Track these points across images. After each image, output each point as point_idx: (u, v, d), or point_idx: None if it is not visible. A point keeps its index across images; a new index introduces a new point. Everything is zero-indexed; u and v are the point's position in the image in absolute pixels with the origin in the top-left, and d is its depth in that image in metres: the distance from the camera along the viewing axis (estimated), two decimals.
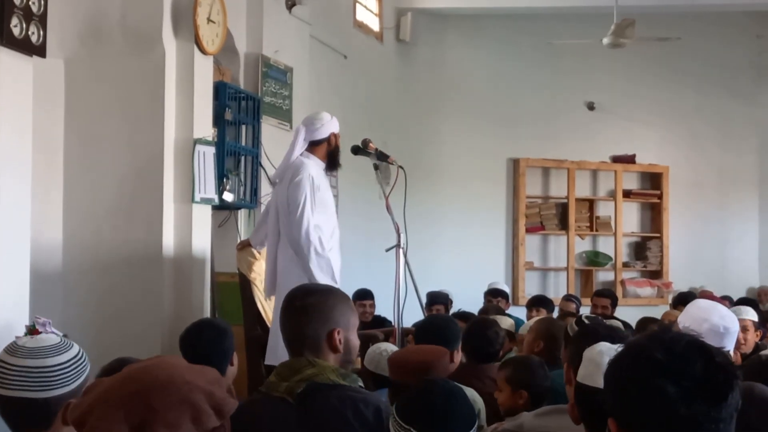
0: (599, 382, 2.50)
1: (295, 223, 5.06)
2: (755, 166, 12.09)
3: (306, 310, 2.72)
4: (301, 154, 5.27)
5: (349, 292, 6.34)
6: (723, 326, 3.75)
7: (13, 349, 2.32)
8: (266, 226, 5.43)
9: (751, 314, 5.44)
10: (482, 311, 7.19)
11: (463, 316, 6.94)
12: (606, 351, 2.55)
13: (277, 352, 4.76)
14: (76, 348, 2.37)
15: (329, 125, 5.31)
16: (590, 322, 4.18)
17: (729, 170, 11.96)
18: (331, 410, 2.56)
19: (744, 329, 5.23)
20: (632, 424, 1.60)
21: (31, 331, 2.43)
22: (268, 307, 5.52)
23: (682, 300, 7.63)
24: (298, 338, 2.71)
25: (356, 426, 2.52)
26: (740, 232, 11.98)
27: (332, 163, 5.37)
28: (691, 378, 1.54)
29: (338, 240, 5.34)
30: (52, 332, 2.40)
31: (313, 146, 5.30)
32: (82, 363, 2.37)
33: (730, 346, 3.83)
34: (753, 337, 5.34)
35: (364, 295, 7.96)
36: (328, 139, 5.30)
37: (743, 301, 9.07)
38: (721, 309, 3.96)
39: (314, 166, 5.22)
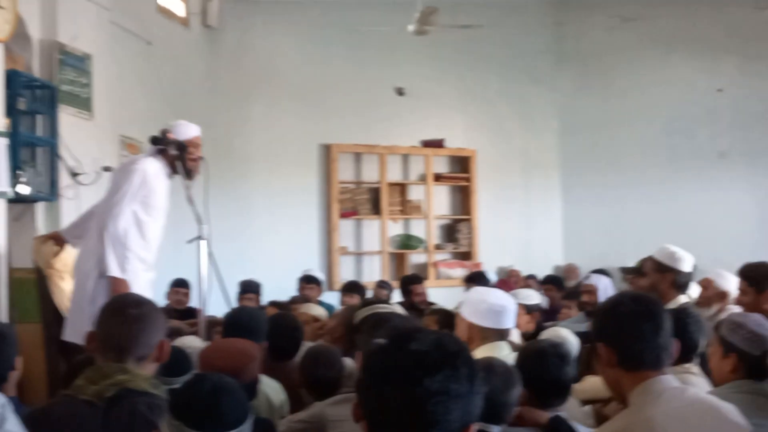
0: None
1: (108, 207, 5.02)
2: (556, 148, 12.55)
3: (142, 319, 2.77)
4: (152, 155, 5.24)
5: (159, 282, 6.21)
6: (499, 305, 3.97)
7: None
8: (87, 222, 5.29)
9: (522, 297, 5.74)
10: (291, 301, 7.25)
11: (275, 304, 6.99)
12: None
13: (78, 329, 4.67)
14: None
15: (177, 131, 5.28)
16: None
17: (532, 153, 12.40)
18: (139, 417, 2.57)
19: None
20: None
21: None
22: (66, 299, 5.34)
23: (473, 279, 7.98)
24: (127, 344, 2.72)
25: None
26: (544, 212, 12.43)
27: (175, 169, 5.30)
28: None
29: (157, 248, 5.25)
30: None
31: (161, 150, 5.25)
32: None
33: (510, 324, 4.05)
34: (524, 321, 5.66)
35: (181, 283, 8.07)
36: (170, 145, 5.23)
37: (550, 279, 9.53)
38: (497, 292, 4.20)
39: (155, 166, 5.18)
